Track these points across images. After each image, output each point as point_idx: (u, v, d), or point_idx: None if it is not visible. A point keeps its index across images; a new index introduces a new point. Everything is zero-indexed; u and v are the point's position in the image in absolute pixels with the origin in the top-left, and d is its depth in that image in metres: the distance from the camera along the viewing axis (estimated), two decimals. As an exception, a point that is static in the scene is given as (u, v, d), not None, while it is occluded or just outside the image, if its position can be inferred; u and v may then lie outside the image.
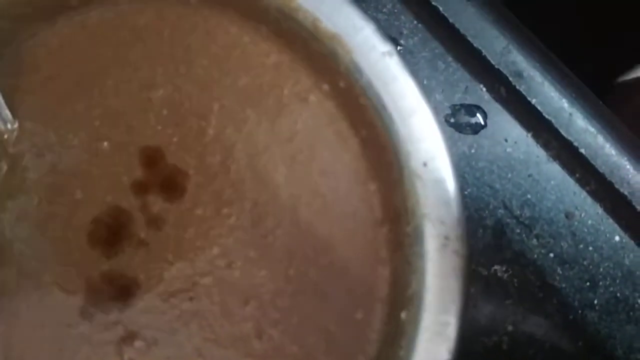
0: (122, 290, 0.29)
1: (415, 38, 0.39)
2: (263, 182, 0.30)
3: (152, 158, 0.29)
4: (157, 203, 0.29)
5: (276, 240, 0.30)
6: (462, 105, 0.39)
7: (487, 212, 0.38)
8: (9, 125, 0.30)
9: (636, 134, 0.37)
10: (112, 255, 0.29)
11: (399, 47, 0.38)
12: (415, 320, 0.27)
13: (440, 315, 0.27)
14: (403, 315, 0.28)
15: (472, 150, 0.38)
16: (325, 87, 0.30)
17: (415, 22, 0.39)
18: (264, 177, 0.30)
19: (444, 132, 0.29)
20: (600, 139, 0.36)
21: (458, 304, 0.26)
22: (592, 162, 0.36)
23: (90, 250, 0.29)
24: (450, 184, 0.27)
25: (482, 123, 0.39)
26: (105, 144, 0.30)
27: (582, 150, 0.36)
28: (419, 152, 0.27)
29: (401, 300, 0.28)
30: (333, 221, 0.30)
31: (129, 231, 0.29)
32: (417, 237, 0.27)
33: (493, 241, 0.38)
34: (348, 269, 0.30)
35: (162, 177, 0.29)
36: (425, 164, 0.27)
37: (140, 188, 0.29)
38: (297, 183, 0.30)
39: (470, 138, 0.39)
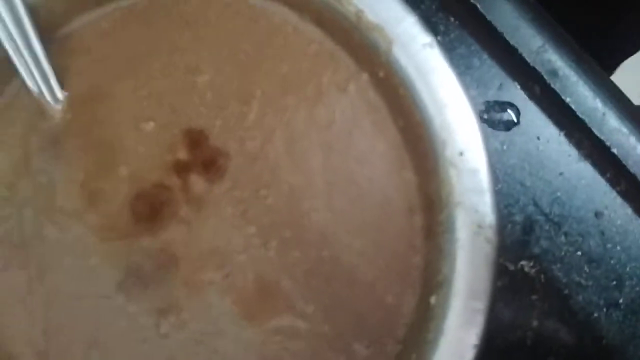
0: (161, 265, 0.30)
1: (452, 35, 0.40)
2: (300, 167, 0.31)
3: (195, 139, 0.30)
4: (198, 183, 0.30)
5: (311, 223, 0.30)
6: (496, 102, 0.39)
7: (516, 208, 0.39)
8: (59, 105, 0.32)
9: None
10: (153, 231, 0.30)
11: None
12: (444, 306, 0.28)
13: (470, 301, 0.27)
14: (432, 300, 0.28)
15: (504, 147, 0.39)
16: (365, 76, 0.31)
17: (452, 19, 0.39)
18: (301, 162, 0.31)
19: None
20: (632, 139, 0.37)
21: (488, 291, 0.27)
22: (624, 162, 0.37)
23: (132, 225, 0.31)
24: (485, 173, 0.28)
25: (515, 120, 0.39)
26: (151, 124, 0.31)
27: (615, 150, 0.37)
28: (454, 142, 0.28)
29: (431, 285, 0.29)
30: (367, 208, 0.31)
31: (171, 209, 0.30)
32: (450, 224, 0.28)
33: (522, 237, 0.38)
34: (380, 255, 0.30)
35: (204, 158, 0.30)
36: (461, 154, 0.28)
37: (183, 168, 0.30)
38: (333, 170, 0.31)
39: (502, 135, 0.39)
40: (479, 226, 0.27)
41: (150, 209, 0.31)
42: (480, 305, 0.27)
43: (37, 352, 0.30)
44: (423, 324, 0.28)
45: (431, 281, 0.29)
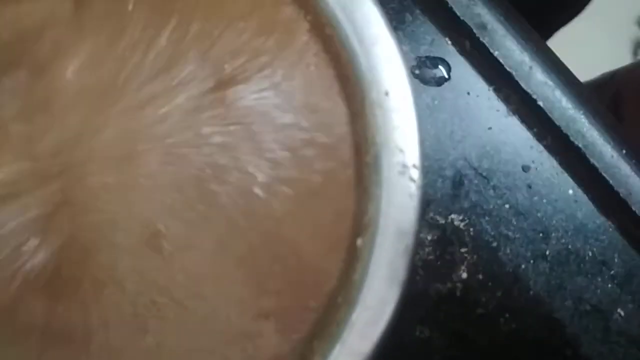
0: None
1: (384, -11, 0.40)
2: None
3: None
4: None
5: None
6: (427, 57, 0.39)
7: (446, 162, 0.39)
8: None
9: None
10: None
11: None
12: (370, 246, 0.28)
13: (396, 241, 0.27)
14: (359, 242, 0.28)
15: (435, 102, 0.39)
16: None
17: (384, -27, 0.39)
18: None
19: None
20: (557, 92, 0.38)
21: (413, 230, 0.27)
22: (549, 114, 0.38)
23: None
24: (411, 113, 0.28)
25: (446, 76, 0.39)
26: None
27: (540, 103, 0.38)
28: (380, 81, 0.28)
29: (358, 228, 0.28)
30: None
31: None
32: (376, 166, 0.28)
33: (451, 191, 0.39)
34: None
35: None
36: (387, 93, 0.28)
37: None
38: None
39: (433, 90, 0.39)
40: (404, 165, 0.27)
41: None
42: (406, 244, 0.27)
43: None
44: (350, 266, 0.28)
45: (358, 224, 0.29)
